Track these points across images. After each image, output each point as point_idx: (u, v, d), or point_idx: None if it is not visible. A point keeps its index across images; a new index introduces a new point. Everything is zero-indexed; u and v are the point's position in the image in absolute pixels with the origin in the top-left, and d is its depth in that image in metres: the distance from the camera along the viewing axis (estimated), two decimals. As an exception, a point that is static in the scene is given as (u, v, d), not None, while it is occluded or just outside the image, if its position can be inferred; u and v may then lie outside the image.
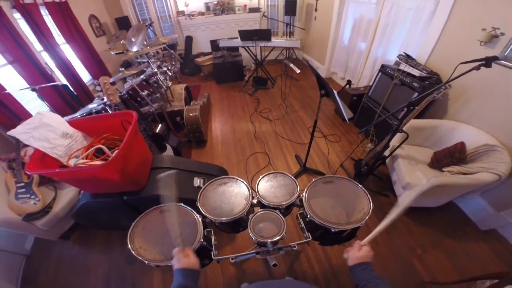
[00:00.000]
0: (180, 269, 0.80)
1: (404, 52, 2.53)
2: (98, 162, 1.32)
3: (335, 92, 1.61)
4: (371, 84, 2.88)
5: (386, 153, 1.96)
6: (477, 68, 1.26)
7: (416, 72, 2.23)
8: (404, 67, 2.35)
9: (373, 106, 2.76)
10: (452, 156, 1.84)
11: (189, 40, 5.55)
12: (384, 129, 2.47)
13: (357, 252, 0.87)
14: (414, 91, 2.20)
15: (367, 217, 1.07)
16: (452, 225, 2.01)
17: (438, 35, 2.22)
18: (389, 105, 2.54)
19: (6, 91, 2.28)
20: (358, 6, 3.69)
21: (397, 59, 2.53)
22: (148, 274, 1.87)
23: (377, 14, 3.19)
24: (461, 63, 1.36)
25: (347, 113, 1.62)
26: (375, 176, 2.38)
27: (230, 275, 1.82)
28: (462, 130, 1.98)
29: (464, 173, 1.73)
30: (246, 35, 4.04)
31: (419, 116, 2.03)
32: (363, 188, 1.18)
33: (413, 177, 1.86)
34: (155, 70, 2.83)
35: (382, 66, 2.68)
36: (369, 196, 1.14)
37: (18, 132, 1.32)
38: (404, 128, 1.71)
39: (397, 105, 2.42)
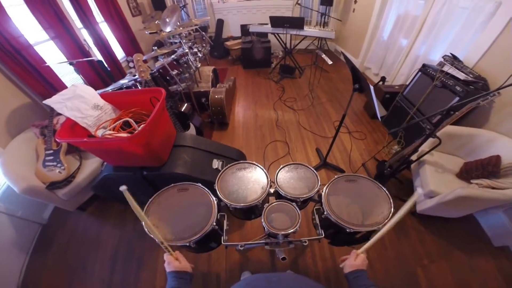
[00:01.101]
0: (172, 272, 0.81)
1: (451, 53, 2.33)
2: (124, 135, 1.37)
3: (371, 87, 1.52)
4: (407, 83, 2.71)
5: (414, 157, 1.87)
6: (537, 77, 1.13)
7: (461, 75, 2.06)
8: (448, 68, 2.18)
9: (406, 106, 2.60)
10: (484, 168, 1.71)
11: (220, 23, 5.53)
12: (414, 132, 2.33)
13: (353, 261, 0.87)
14: (455, 95, 2.04)
15: (386, 221, 1.02)
16: (466, 238, 1.92)
17: (494, 38, 2.02)
18: (424, 108, 2.38)
19: (46, 64, 2.41)
20: (403, 1, 3.43)
21: (442, 59, 2.34)
22: (155, 252, 1.93)
23: (425, 11, 2.96)
24: (518, 70, 1.23)
25: (380, 111, 1.54)
26: (397, 180, 2.28)
27: (234, 261, 1.85)
28: (501, 143, 1.82)
29: (493, 187, 1.62)
30: (277, 21, 3.95)
31: (455, 122, 1.89)
32: (386, 192, 1.13)
33: (438, 185, 1.77)
34: (186, 50, 2.86)
35: (423, 65, 2.50)
36: (391, 200, 1.09)
37: (53, 101, 1.40)
38: (438, 134, 1.60)
39: (433, 108, 2.26)
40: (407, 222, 2.02)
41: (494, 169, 1.67)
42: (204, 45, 3.95)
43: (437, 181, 1.81)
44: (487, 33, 2.10)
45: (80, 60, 2.42)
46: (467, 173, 1.81)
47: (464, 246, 1.86)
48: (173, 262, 0.83)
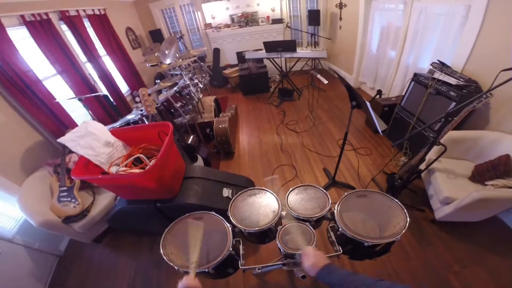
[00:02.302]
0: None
1: (438, 60, 2.41)
2: (137, 170, 1.41)
3: (367, 103, 1.58)
4: (403, 93, 2.77)
5: (422, 166, 1.87)
6: (521, 74, 1.18)
7: (452, 81, 2.11)
8: (439, 75, 2.24)
9: (406, 117, 2.64)
10: (496, 169, 1.71)
11: (216, 52, 5.79)
12: (419, 141, 2.35)
13: (312, 259, 0.86)
14: (451, 100, 2.08)
15: (403, 231, 1.02)
16: (496, 240, 1.86)
17: (474, 40, 2.10)
18: (424, 116, 2.42)
19: (56, 100, 2.50)
20: (384, 13, 3.59)
21: (431, 67, 2.42)
22: (173, 280, 1.87)
23: (405, 20, 3.09)
24: (502, 70, 1.29)
25: (380, 125, 1.58)
26: (410, 190, 2.25)
27: (252, 286, 1.82)
28: (506, 142, 1.83)
29: (510, 187, 1.61)
30: (271, 46, 4.11)
31: (458, 127, 1.91)
32: (398, 202, 1.13)
33: (452, 190, 1.76)
34: (188, 82, 2.97)
35: (415, 74, 2.57)
36: (405, 210, 1.09)
37: (67, 139, 1.44)
38: (442, 140, 1.63)
39: (432, 115, 2.30)
40: (428, 231, 1.97)
41: (506, 168, 1.67)
42: (203, 75, 4.11)
43: (450, 187, 1.80)
44: (466, 36, 2.17)
45: (88, 95, 2.52)
46: (480, 175, 1.80)
47: (495, 248, 1.80)
48: (188, 280, 0.88)
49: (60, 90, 2.94)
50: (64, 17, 3.01)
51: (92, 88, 3.23)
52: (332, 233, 1.22)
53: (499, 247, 1.81)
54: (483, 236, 1.89)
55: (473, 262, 1.75)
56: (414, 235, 1.95)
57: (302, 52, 4.28)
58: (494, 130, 1.99)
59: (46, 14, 2.71)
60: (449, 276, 1.69)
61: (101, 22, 3.76)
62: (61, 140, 1.45)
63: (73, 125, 2.68)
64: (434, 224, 2.00)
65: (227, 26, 5.69)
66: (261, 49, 4.44)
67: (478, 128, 2.11)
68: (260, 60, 5.13)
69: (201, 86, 3.42)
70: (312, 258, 0.86)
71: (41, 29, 2.63)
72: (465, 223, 1.92)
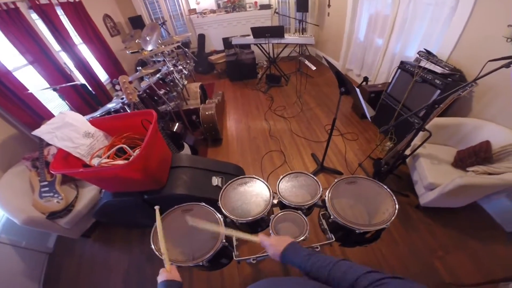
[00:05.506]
0: (163, 282, 0.85)
1: (425, 49, 2.44)
2: (120, 162, 1.34)
3: (357, 90, 1.57)
4: (389, 81, 2.80)
5: (407, 152, 1.90)
6: (507, 65, 1.21)
7: (438, 69, 2.15)
8: (425, 63, 2.27)
9: (392, 103, 2.68)
10: (477, 155, 1.76)
11: (201, 38, 5.58)
12: (404, 127, 2.39)
13: (274, 243, 0.87)
14: (436, 88, 2.12)
15: (393, 218, 1.04)
16: (476, 226, 1.93)
17: (460, 31, 2.12)
18: (409, 103, 2.46)
19: (29, 91, 2.35)
20: (373, 1, 3.57)
21: (417, 55, 2.45)
22: None
23: (393, 9, 3.09)
24: (490, 61, 1.31)
25: (369, 111, 1.58)
26: (395, 175, 2.31)
27: (247, 274, 1.83)
28: (487, 129, 1.89)
29: (490, 173, 1.66)
30: (259, 32, 4.03)
31: (442, 114, 1.96)
32: (387, 189, 1.15)
33: (435, 176, 1.80)
34: (171, 68, 2.85)
35: (402, 62, 2.60)
36: (394, 197, 1.11)
37: (42, 132, 1.36)
38: (427, 127, 1.65)
39: (417, 102, 2.34)
40: (413, 216, 2.03)
41: (487, 154, 1.72)
42: (188, 61, 3.96)
43: (434, 173, 1.84)
44: (453, 26, 2.19)
45: (64, 85, 2.37)
46: (462, 161, 1.85)
47: (477, 235, 1.86)
48: (164, 273, 0.88)
49: (33, 80, 2.74)
50: (34, 5, 2.78)
51: (68, 78, 3.04)
52: (323, 221, 1.23)
53: (480, 234, 1.87)
54: (465, 222, 1.96)
55: (456, 247, 1.81)
56: (400, 220, 2.01)
57: (290, 38, 4.22)
58: (476, 117, 2.05)
59: (14, 3, 2.50)
60: (434, 261, 1.75)
61: (76, 10, 3.51)
62: (36, 132, 1.36)
63: (50, 116, 2.53)
64: (419, 209, 2.06)
65: (213, 11, 5.47)
66: (248, 35, 4.32)
67: (461, 115, 2.16)
68: (248, 46, 5.01)
69: (185, 72, 3.30)
70: (274, 241, 0.87)
71: (8, 19, 2.43)
72: (447, 209, 1.98)
